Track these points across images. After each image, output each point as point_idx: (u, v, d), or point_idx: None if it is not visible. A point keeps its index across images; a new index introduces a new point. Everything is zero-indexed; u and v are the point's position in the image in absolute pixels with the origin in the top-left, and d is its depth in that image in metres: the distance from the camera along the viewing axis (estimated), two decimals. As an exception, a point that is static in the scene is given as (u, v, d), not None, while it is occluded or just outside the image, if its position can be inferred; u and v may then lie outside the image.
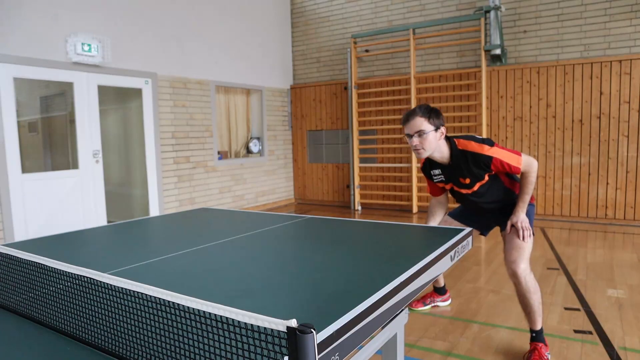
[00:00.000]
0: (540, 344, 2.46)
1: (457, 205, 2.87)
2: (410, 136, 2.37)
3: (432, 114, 2.36)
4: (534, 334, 2.49)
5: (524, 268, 2.39)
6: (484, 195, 2.54)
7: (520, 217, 2.44)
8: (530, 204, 2.58)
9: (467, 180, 2.47)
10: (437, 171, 2.57)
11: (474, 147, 2.37)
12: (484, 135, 6.67)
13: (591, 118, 6.20)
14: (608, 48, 6.07)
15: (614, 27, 6.02)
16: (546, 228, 5.90)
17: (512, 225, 2.47)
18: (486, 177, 2.45)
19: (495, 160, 2.34)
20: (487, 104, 6.80)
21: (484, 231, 2.79)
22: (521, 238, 2.41)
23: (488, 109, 6.81)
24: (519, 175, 2.54)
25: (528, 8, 6.51)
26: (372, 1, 7.77)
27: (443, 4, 7.14)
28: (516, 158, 2.37)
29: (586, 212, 6.33)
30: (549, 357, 2.47)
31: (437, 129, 2.35)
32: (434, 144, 2.37)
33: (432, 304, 3.29)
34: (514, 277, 2.41)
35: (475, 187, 2.49)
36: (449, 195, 2.76)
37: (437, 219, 2.79)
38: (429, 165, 2.60)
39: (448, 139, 2.45)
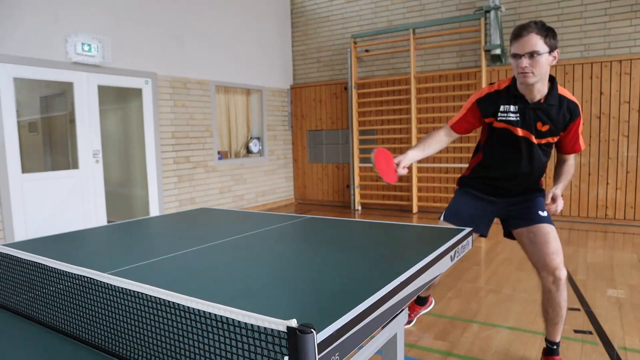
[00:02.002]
0: (558, 357, 2.36)
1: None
2: (520, 56, 2.02)
3: (550, 32, 2.03)
4: (554, 347, 2.33)
5: (565, 274, 2.20)
6: (538, 156, 2.24)
7: (557, 193, 2.11)
8: (542, 189, 2.38)
9: (546, 127, 2.16)
10: (511, 108, 2.18)
11: (570, 95, 2.16)
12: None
13: (591, 118, 6.20)
14: (608, 48, 6.07)
15: (614, 27, 6.02)
16: (546, 228, 5.89)
17: (552, 199, 2.10)
18: (556, 138, 2.20)
19: (579, 120, 2.17)
20: (487, 104, 6.79)
21: (483, 232, 2.47)
22: (554, 210, 2.10)
23: (488, 109, 6.80)
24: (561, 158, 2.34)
25: (528, 8, 6.52)
26: (372, 1, 7.77)
27: (443, 4, 7.14)
28: (582, 139, 2.26)
29: (586, 212, 6.33)
30: None
31: (551, 51, 2.04)
32: (545, 69, 2.04)
33: (417, 317, 2.99)
34: (556, 284, 2.18)
35: (543, 141, 2.20)
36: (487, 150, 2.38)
37: (425, 151, 2.36)
38: (498, 98, 2.21)
39: (551, 76, 2.15)
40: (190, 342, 0.97)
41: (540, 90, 2.11)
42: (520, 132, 2.20)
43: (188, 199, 6.83)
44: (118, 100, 6.43)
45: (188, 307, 0.98)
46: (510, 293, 3.53)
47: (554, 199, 2.09)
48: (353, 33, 7.90)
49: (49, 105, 5.77)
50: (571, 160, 2.30)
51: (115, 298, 1.14)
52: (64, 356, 1.10)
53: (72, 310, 1.21)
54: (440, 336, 2.83)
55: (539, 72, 2.02)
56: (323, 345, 0.95)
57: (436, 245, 1.79)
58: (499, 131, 2.26)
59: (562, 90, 2.17)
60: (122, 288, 1.11)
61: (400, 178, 7.63)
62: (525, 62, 2.01)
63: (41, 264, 1.33)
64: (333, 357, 0.97)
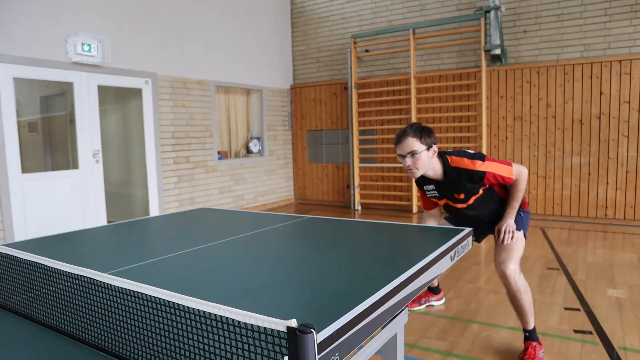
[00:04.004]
0: (534, 343, 2.48)
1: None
2: (403, 157, 2.40)
3: (424, 132, 2.38)
4: (527, 334, 2.51)
5: (512, 269, 2.41)
6: (478, 208, 2.57)
7: (508, 222, 2.47)
8: (525, 211, 2.62)
9: (462, 196, 2.51)
10: (430, 187, 2.59)
11: (466, 164, 2.41)
12: (484, 136, 6.68)
13: (591, 118, 6.20)
14: (608, 48, 6.07)
15: (614, 27, 6.02)
16: (546, 228, 5.90)
17: (498, 230, 2.50)
18: (481, 191, 2.50)
19: (489, 174, 2.41)
20: (487, 104, 6.80)
21: (479, 238, 2.81)
22: (501, 240, 2.46)
23: (488, 109, 6.81)
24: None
25: (528, 8, 6.51)
26: (372, 1, 7.77)
27: (443, 4, 7.14)
28: (508, 169, 2.44)
29: (586, 212, 6.33)
30: (543, 355, 2.48)
31: (429, 147, 2.39)
32: (427, 163, 2.40)
33: (427, 304, 3.31)
34: (503, 277, 2.44)
35: (471, 201, 2.54)
36: (443, 209, 2.80)
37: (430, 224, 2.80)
38: (422, 180, 2.62)
39: (440, 155, 2.48)
40: (190, 342, 0.97)
41: (435, 173, 2.48)
42: (442, 202, 2.64)
43: (188, 199, 6.83)
44: (118, 100, 6.42)
45: (188, 307, 0.98)
46: (510, 293, 3.53)
47: (498, 232, 2.47)
48: (353, 33, 7.90)
49: (49, 105, 5.77)
50: (516, 183, 2.49)
51: (115, 298, 1.14)
52: (64, 356, 1.10)
53: (72, 310, 1.21)
54: (440, 336, 2.83)
55: (421, 166, 2.40)
56: (323, 345, 0.95)
57: (436, 245, 1.79)
58: (435, 202, 2.73)
59: (456, 161, 2.44)
60: (122, 288, 1.11)
61: (400, 178, 7.63)
62: (408, 161, 2.39)
63: (41, 264, 1.33)
64: (333, 357, 0.97)
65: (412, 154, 2.36)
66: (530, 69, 6.52)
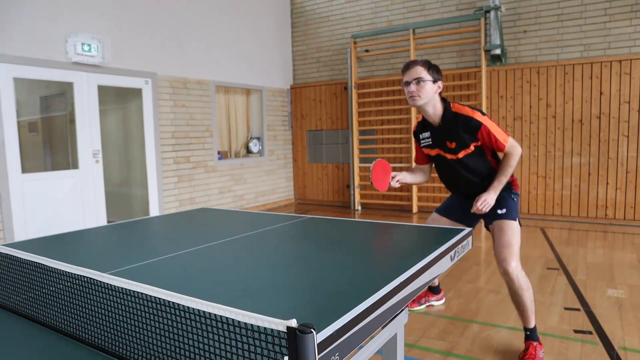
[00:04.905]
0: (535, 343, 2.47)
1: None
2: (409, 83, 2.43)
3: (432, 66, 2.45)
4: (527, 332, 2.51)
5: (514, 266, 2.41)
6: (467, 166, 2.54)
7: (489, 196, 2.43)
8: (515, 192, 2.58)
9: (454, 145, 2.50)
10: (426, 134, 2.61)
11: (467, 111, 2.45)
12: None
13: (591, 118, 6.20)
14: (608, 48, 6.07)
15: (614, 27, 6.02)
16: (546, 228, 5.90)
17: (477, 199, 2.46)
18: (472, 147, 2.48)
19: (484, 128, 2.41)
20: (487, 104, 6.80)
21: (471, 224, 2.73)
22: (473, 208, 2.45)
23: (488, 109, 6.80)
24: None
25: (528, 8, 6.51)
26: (372, 1, 7.77)
27: (443, 4, 7.14)
28: (504, 135, 2.46)
29: (586, 212, 6.33)
30: (543, 355, 2.48)
31: (435, 81, 2.43)
32: (430, 94, 2.43)
33: (427, 303, 3.31)
34: (506, 275, 2.43)
35: (460, 155, 2.51)
36: (434, 167, 2.79)
37: (414, 178, 2.76)
38: (420, 128, 2.66)
39: (444, 100, 2.52)
40: (190, 342, 0.97)
41: (435, 113, 2.50)
42: (434, 152, 2.63)
43: (188, 199, 6.83)
44: (118, 100, 6.42)
45: (188, 307, 0.98)
46: (510, 293, 3.53)
47: (476, 200, 2.45)
48: (353, 33, 7.90)
49: (49, 105, 5.77)
50: (507, 156, 2.49)
51: (115, 298, 1.14)
52: (64, 356, 1.10)
53: (72, 310, 1.21)
54: (440, 336, 2.83)
55: (424, 95, 2.41)
56: (323, 345, 0.95)
57: (436, 245, 1.79)
58: (428, 155, 2.71)
59: (457, 107, 2.48)
60: (122, 288, 1.11)
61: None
62: (413, 87, 2.41)
63: (41, 264, 1.33)
64: (333, 357, 0.97)
65: (418, 81, 2.40)
66: (530, 69, 6.52)
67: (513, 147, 2.46)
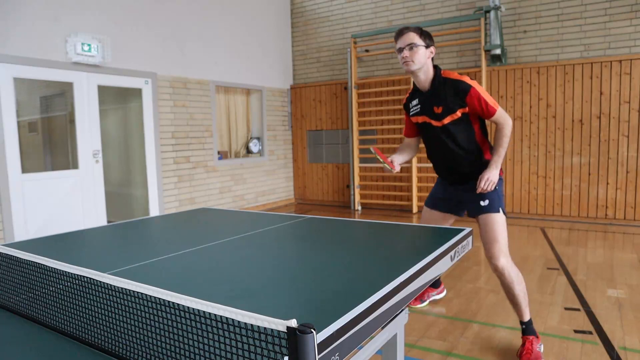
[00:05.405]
0: (531, 337, 2.48)
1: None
2: (402, 49, 2.45)
3: (424, 32, 2.48)
4: (523, 326, 2.52)
5: (504, 262, 2.43)
6: (453, 137, 2.50)
7: (492, 173, 2.41)
8: (500, 178, 2.54)
9: (440, 109, 2.48)
10: (415, 102, 2.61)
11: (456, 76, 2.47)
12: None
13: (591, 118, 6.20)
14: (608, 48, 6.07)
15: (614, 27, 6.02)
16: (546, 228, 5.90)
17: (480, 178, 2.44)
18: (458, 113, 2.45)
19: (473, 91, 2.40)
20: (487, 104, 6.79)
21: (459, 212, 2.74)
22: (479, 189, 2.42)
23: (488, 109, 6.80)
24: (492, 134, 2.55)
25: (528, 8, 6.51)
26: (372, 1, 7.77)
27: (443, 4, 7.14)
28: (494, 101, 2.45)
29: (586, 212, 6.33)
30: (542, 348, 2.48)
31: (427, 46, 2.46)
32: (423, 60, 2.45)
33: (430, 299, 3.33)
34: (496, 271, 2.46)
35: (446, 120, 2.48)
36: (421, 140, 2.78)
37: (404, 156, 2.72)
38: (410, 98, 2.66)
39: (435, 66, 2.53)
40: (190, 342, 0.97)
41: (426, 79, 2.51)
42: (421, 119, 2.60)
43: (188, 199, 6.83)
44: (118, 100, 6.43)
45: (188, 307, 0.98)
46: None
47: (480, 180, 2.42)
48: (353, 33, 7.90)
49: (49, 105, 5.77)
50: (500, 127, 2.47)
51: (115, 298, 1.14)
52: (64, 356, 1.10)
53: (72, 310, 1.21)
54: (440, 336, 2.83)
55: (418, 60, 2.43)
56: (323, 345, 0.95)
57: (436, 245, 1.79)
58: (416, 125, 2.67)
59: (448, 73, 2.50)
60: (122, 288, 1.11)
61: (400, 178, 7.63)
62: (406, 52, 2.43)
63: (41, 264, 1.33)
64: (333, 357, 0.97)
65: (411, 46, 2.42)
66: (530, 69, 6.52)
67: (504, 117, 2.45)
